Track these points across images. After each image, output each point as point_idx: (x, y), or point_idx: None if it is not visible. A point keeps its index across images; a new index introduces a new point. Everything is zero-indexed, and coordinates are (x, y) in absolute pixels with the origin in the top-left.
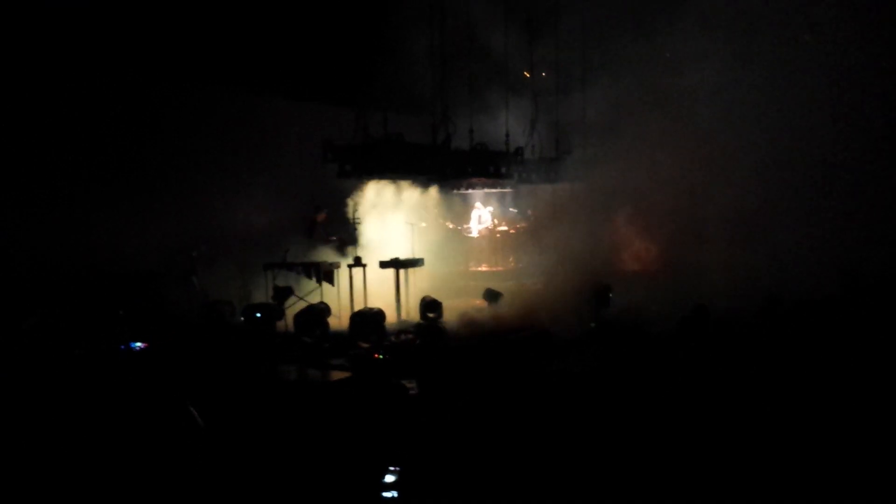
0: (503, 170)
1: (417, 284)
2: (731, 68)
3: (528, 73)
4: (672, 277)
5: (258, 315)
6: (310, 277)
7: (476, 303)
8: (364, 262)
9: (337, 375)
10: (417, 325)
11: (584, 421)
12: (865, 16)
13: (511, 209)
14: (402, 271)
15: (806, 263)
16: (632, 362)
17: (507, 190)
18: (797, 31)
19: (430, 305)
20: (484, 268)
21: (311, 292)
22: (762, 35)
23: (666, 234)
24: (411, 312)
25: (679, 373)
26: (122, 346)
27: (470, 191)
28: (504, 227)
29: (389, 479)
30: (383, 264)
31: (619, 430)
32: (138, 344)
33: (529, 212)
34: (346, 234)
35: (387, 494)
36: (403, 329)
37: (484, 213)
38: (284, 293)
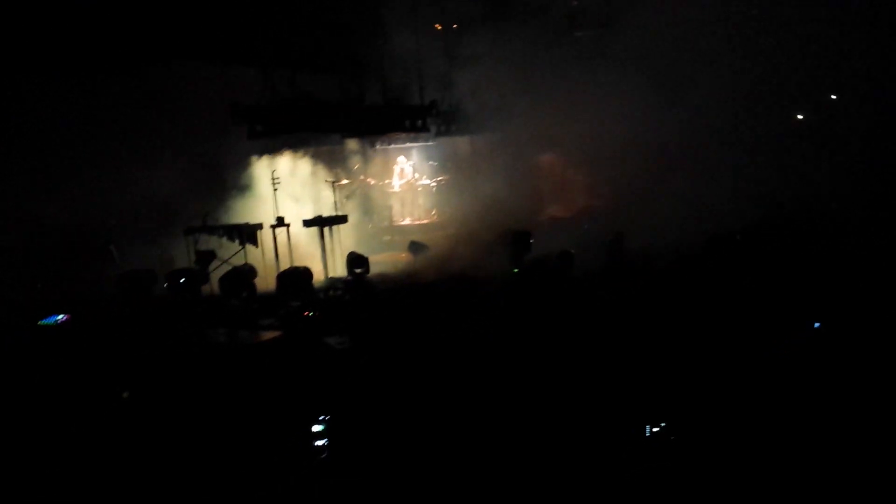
0: (419, 123)
1: (343, 241)
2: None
3: (439, 25)
4: (588, 220)
5: (182, 280)
6: (232, 240)
7: (402, 256)
8: (287, 221)
9: (268, 336)
10: (345, 281)
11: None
12: None
13: (431, 162)
14: (326, 229)
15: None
16: (551, 306)
17: (428, 143)
18: None
19: (356, 261)
20: (408, 221)
21: (235, 255)
22: None
23: (583, 180)
24: (338, 269)
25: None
26: (44, 319)
27: (392, 146)
28: (425, 181)
29: (317, 428)
30: (307, 223)
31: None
32: (59, 316)
33: (449, 164)
34: None
35: (318, 443)
36: (332, 286)
37: (406, 167)
38: (207, 257)
